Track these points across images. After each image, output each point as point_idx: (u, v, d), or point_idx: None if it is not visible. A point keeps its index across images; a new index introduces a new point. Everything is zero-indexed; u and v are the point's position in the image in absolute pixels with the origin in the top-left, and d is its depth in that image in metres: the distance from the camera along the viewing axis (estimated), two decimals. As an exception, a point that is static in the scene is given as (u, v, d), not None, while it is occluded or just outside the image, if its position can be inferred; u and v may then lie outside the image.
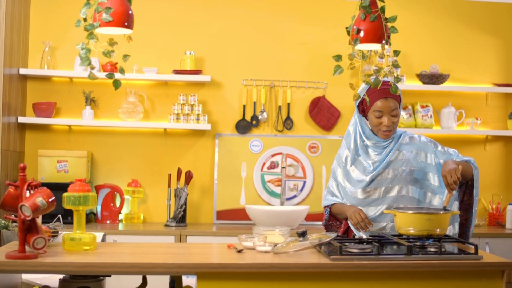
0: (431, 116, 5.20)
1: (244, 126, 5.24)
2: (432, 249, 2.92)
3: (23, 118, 4.87)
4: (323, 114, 5.25)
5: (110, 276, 3.05)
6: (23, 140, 5.04)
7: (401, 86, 5.15)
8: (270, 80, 5.27)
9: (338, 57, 2.89)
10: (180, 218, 4.89)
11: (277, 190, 5.22)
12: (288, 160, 5.24)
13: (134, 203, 5.07)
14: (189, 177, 4.95)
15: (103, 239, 4.50)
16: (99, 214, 4.98)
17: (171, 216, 4.93)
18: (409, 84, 5.25)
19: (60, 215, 3.36)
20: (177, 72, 5.03)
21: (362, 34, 2.87)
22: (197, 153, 5.22)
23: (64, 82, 5.08)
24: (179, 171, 4.96)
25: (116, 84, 2.91)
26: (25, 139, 5.08)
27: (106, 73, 2.94)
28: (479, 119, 5.29)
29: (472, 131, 5.27)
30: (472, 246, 2.91)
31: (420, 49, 5.37)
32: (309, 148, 5.27)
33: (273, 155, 5.25)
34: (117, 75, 2.87)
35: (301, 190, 5.24)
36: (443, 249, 2.90)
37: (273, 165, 5.24)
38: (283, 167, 5.13)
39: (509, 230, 5.03)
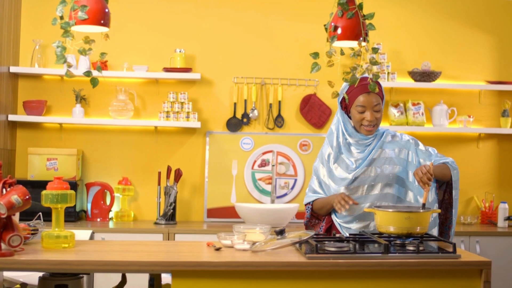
0: (422, 114, 5.18)
1: (235, 124, 5.23)
2: (411, 248, 2.91)
3: (13, 116, 4.88)
4: (314, 111, 5.24)
5: (88, 274, 3.06)
6: (14, 138, 5.04)
7: (392, 84, 5.14)
8: (261, 78, 5.26)
9: (315, 55, 2.88)
10: (170, 216, 4.88)
11: (268, 188, 5.21)
12: (279, 158, 5.23)
13: (124, 201, 5.07)
14: (178, 175, 4.95)
15: (91, 237, 4.53)
16: (89, 212, 4.98)
17: (161, 214, 4.93)
18: (400, 81, 5.22)
19: (40, 213, 3.35)
20: (167, 70, 5.02)
21: (339, 31, 2.85)
22: (188, 151, 5.21)
23: (55, 80, 5.09)
24: (168, 169, 4.96)
25: (94, 82, 2.91)
26: (16, 137, 5.08)
27: (84, 71, 2.93)
28: (471, 116, 5.26)
29: (464, 128, 5.24)
30: (451, 245, 2.89)
31: (412, 46, 5.35)
32: (300, 146, 5.26)
33: (264, 153, 5.24)
34: (95, 73, 2.86)
35: (292, 188, 5.23)
36: (421, 248, 2.89)
37: (264, 163, 5.23)
38: (273, 165, 5.12)
39: (501, 229, 5.00)
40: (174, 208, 4.90)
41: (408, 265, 2.78)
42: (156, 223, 4.87)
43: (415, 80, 5.20)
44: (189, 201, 5.20)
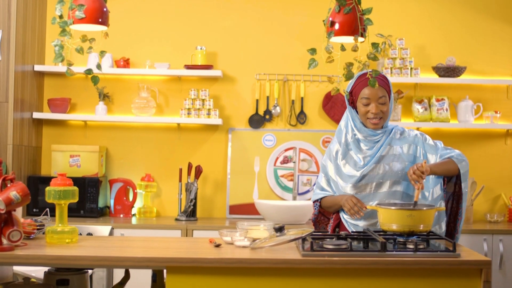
0: (447, 110, 5.08)
1: (257, 121, 5.23)
2: (410, 246, 2.87)
3: (38, 114, 4.98)
4: (337, 108, 5.20)
5: (92, 269, 3.11)
6: (39, 135, 5.15)
7: (416, 79, 5.06)
8: (283, 74, 5.25)
9: (312, 51, 2.86)
10: (190, 212, 4.92)
11: (290, 185, 5.19)
12: (301, 154, 5.20)
13: (147, 197, 5.12)
14: (199, 171, 4.98)
15: (111, 233, 4.60)
16: (112, 208, 5.05)
17: (182, 210, 4.97)
18: (424, 77, 5.14)
19: (47, 209, 3.42)
20: (188, 67, 5.05)
21: (336, 26, 2.82)
22: (211, 148, 5.24)
23: (80, 78, 5.16)
24: (189, 166, 4.99)
25: (95, 80, 2.95)
26: (42, 135, 5.19)
27: (80, 68, 2.97)
28: (498, 112, 5.13)
29: (491, 124, 5.12)
30: (451, 243, 2.83)
31: (436, 41, 5.25)
32: (322, 142, 5.23)
33: (286, 150, 5.23)
34: (96, 71, 2.90)
35: (315, 185, 5.19)
36: (420, 246, 2.84)
37: (286, 160, 5.22)
38: (294, 162, 5.10)
39: (528, 227, 4.88)
40: (194, 205, 4.93)
41: (405, 263, 2.73)
42: (177, 219, 4.91)
43: (440, 76, 5.11)
44: (212, 198, 5.23)
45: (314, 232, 3.07)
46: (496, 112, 5.13)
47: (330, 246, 2.84)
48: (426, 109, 5.12)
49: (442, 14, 5.26)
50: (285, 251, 2.88)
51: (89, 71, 2.94)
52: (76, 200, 3.08)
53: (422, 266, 2.73)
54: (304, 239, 2.93)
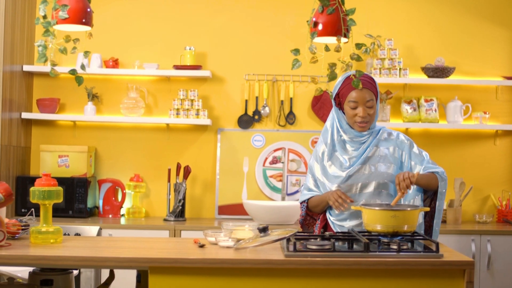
0: (435, 110, 5.09)
1: (246, 121, 5.23)
2: (393, 247, 2.87)
3: (27, 114, 4.97)
4: (326, 108, 5.20)
5: (76, 269, 3.11)
6: (28, 135, 5.14)
7: (404, 80, 5.06)
8: (272, 75, 5.25)
9: (296, 51, 2.86)
10: (179, 213, 4.91)
11: (279, 185, 5.19)
12: (290, 155, 5.21)
13: (136, 198, 5.12)
14: (187, 172, 4.98)
15: (99, 233, 4.59)
16: (101, 209, 5.04)
17: (170, 210, 4.97)
18: (413, 77, 5.14)
19: (33, 209, 3.41)
20: (177, 67, 5.05)
21: (320, 27, 2.82)
22: (200, 148, 5.24)
23: (69, 78, 5.15)
24: (178, 166, 4.99)
25: (79, 80, 2.94)
26: (31, 135, 5.18)
27: (69, 68, 2.97)
28: (487, 113, 5.14)
29: (480, 125, 5.13)
30: (434, 244, 2.83)
31: (425, 42, 5.26)
32: (312, 143, 5.23)
33: (275, 150, 5.23)
34: (79, 71, 2.90)
35: (302, 186, 5.19)
36: (403, 247, 2.85)
37: (275, 160, 5.22)
38: (283, 162, 5.10)
39: (516, 228, 4.88)
40: (183, 205, 4.93)
41: (388, 264, 2.73)
42: (165, 220, 4.91)
43: (429, 76, 5.12)
44: (201, 198, 5.23)
45: (298, 232, 3.07)
46: (485, 113, 5.14)
47: (314, 247, 2.84)
48: (415, 110, 5.12)
49: (431, 15, 5.27)
50: (269, 252, 2.88)
51: (73, 71, 2.94)
52: (60, 200, 3.07)
53: (405, 266, 2.73)
54: (288, 240, 2.94)
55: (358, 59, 2.86)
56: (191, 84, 5.20)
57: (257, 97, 5.22)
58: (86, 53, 3.00)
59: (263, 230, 2.98)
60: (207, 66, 5.23)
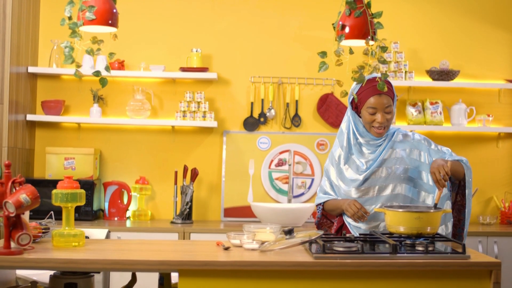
0: (440, 113, 5.13)
1: (252, 123, 5.23)
2: (420, 248, 2.88)
3: (31, 116, 4.93)
4: (332, 111, 5.22)
5: (99, 272, 3.09)
6: (33, 137, 5.10)
7: (410, 82, 5.10)
8: (278, 77, 5.25)
9: (323, 54, 2.87)
10: (186, 215, 4.90)
11: (285, 187, 5.20)
12: (296, 157, 5.21)
13: (142, 200, 5.10)
14: (194, 174, 4.97)
15: (107, 236, 4.56)
16: (106, 211, 5.02)
17: (177, 213, 4.95)
18: (418, 80, 5.18)
19: (52, 212, 3.39)
20: (183, 69, 5.04)
21: (347, 30, 2.84)
22: (205, 150, 5.23)
23: (73, 80, 5.13)
24: (185, 168, 4.98)
25: (103, 82, 2.93)
26: (35, 137, 5.14)
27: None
28: (491, 115, 5.19)
29: (484, 128, 5.18)
30: (461, 245, 2.85)
31: (430, 45, 5.30)
32: (317, 145, 5.24)
33: (281, 153, 5.24)
34: (104, 73, 2.88)
35: (309, 187, 5.21)
36: (430, 248, 2.86)
37: (281, 163, 5.23)
38: (290, 164, 5.11)
39: (520, 229, 4.93)
40: (190, 208, 4.92)
41: (416, 265, 2.75)
42: (172, 222, 4.89)
43: (433, 79, 5.15)
44: (206, 201, 5.22)
45: (323, 235, 3.08)
46: (488, 116, 5.19)
47: (341, 249, 2.84)
48: (420, 112, 5.16)
49: (436, 19, 5.31)
50: (294, 254, 2.89)
51: (97, 73, 2.92)
52: (83, 203, 3.06)
53: (433, 268, 2.75)
54: (311, 242, 2.94)
55: (384, 62, 2.87)
56: (197, 86, 5.19)
57: (262, 100, 5.23)
58: (111, 55, 2.98)
59: (289, 232, 2.99)
60: (213, 68, 5.22)
